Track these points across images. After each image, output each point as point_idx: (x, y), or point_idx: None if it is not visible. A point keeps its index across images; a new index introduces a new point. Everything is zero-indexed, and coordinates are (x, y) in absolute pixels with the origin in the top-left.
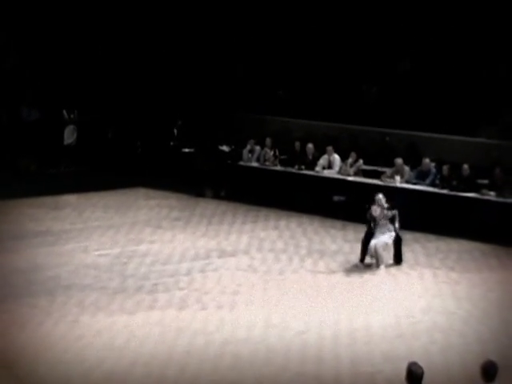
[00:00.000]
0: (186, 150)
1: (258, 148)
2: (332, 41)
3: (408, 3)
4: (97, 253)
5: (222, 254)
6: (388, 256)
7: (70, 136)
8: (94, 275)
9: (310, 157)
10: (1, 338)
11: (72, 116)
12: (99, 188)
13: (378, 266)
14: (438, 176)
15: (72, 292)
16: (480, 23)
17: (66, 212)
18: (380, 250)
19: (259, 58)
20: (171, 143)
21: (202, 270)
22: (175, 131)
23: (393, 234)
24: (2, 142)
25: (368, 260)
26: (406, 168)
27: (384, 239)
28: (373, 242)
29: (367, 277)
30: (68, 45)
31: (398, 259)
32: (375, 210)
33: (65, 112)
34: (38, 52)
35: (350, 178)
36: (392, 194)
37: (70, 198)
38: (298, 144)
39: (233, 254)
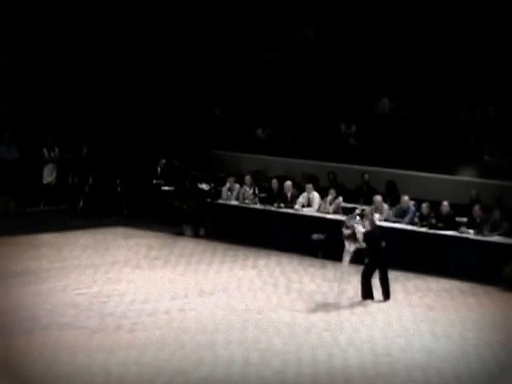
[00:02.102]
0: (166, 188)
1: (237, 186)
2: (310, 81)
3: (385, 44)
4: (75, 292)
5: (201, 293)
6: None
7: (49, 175)
8: (72, 314)
9: (289, 194)
10: None
11: (52, 154)
12: (78, 227)
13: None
14: (417, 214)
15: (50, 331)
16: (459, 63)
17: (45, 251)
18: None
19: (238, 97)
20: (154, 181)
21: (181, 309)
22: (159, 170)
23: None
24: None
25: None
26: (385, 206)
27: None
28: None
29: (346, 316)
30: (47, 83)
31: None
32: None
33: (45, 150)
34: (17, 90)
35: (330, 216)
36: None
37: (49, 237)
38: (275, 181)
39: (212, 293)
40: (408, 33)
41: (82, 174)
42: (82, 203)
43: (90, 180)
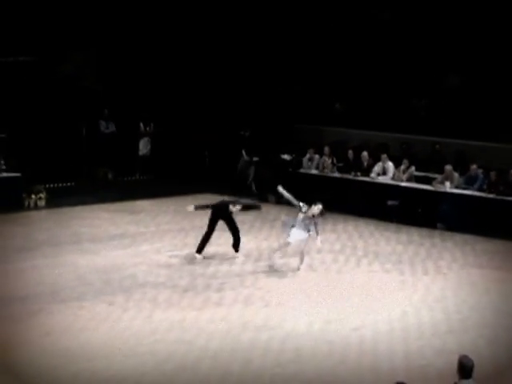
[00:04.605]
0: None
1: (316, 156)
2: (385, 58)
3: (456, 20)
4: (169, 254)
5: (284, 255)
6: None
7: (144, 147)
8: (166, 274)
9: (365, 164)
10: (80, 334)
11: (148, 128)
12: (170, 194)
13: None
14: (486, 181)
15: (146, 290)
16: None
17: (141, 216)
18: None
19: (318, 74)
20: (243, 151)
21: (266, 271)
22: (243, 141)
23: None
24: (82, 152)
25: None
26: (455, 174)
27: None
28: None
29: (419, 276)
30: (143, 64)
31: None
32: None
33: (141, 124)
34: (116, 70)
35: (403, 184)
36: (442, 198)
37: (144, 204)
38: (350, 152)
39: (294, 255)
40: (479, 8)
41: (250, 153)
42: (252, 182)
43: (256, 159)
